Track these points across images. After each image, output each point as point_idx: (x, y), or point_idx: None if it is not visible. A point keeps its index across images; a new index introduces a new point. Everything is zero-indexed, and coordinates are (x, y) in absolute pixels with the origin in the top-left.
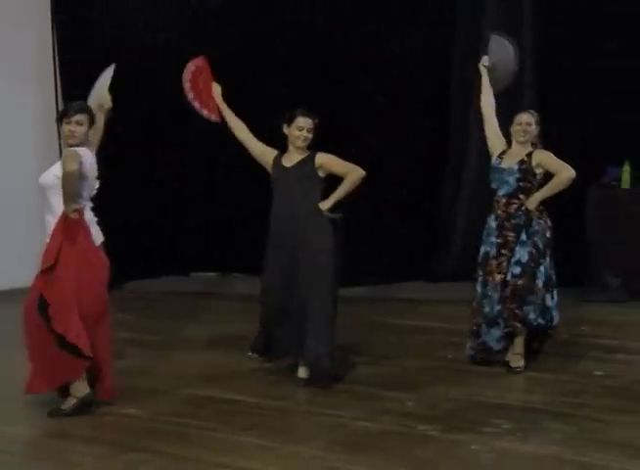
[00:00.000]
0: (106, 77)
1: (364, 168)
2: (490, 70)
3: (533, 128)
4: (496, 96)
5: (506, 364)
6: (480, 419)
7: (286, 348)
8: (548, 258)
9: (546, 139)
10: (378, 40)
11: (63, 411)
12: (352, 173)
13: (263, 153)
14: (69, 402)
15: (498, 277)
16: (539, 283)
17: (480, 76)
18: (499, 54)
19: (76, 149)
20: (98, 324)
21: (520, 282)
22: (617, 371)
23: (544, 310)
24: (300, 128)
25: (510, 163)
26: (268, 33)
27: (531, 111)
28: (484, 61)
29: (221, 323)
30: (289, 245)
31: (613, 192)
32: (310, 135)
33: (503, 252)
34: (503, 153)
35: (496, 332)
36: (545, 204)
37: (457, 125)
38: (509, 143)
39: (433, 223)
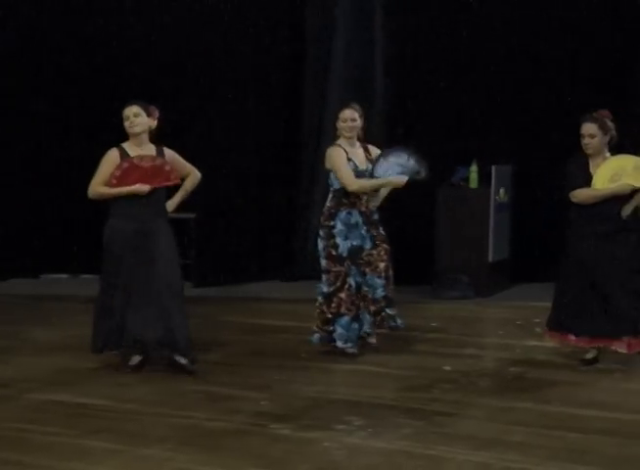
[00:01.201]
0: None
1: (217, 169)
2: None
3: (358, 123)
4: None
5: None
6: (333, 416)
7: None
8: None
9: (397, 141)
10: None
11: None
12: (193, 174)
13: None
14: None
15: (382, 264)
16: None
17: None
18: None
19: None
20: None
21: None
22: (465, 366)
23: None
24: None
25: (364, 164)
26: None
27: (354, 105)
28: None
29: (70, 326)
30: (142, 245)
31: (461, 191)
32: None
33: (378, 243)
34: (346, 153)
35: (369, 317)
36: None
37: (311, 127)
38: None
39: (287, 223)
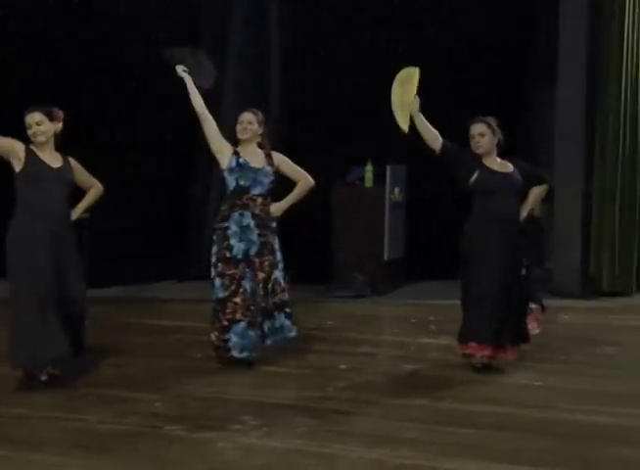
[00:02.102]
0: None
1: (117, 170)
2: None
3: (256, 127)
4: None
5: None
6: (228, 417)
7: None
8: None
9: (293, 140)
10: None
11: None
12: (96, 186)
13: None
14: None
15: (261, 275)
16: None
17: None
18: (189, 62)
19: None
20: None
21: (286, 285)
22: (360, 364)
23: None
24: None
25: (259, 163)
26: None
27: (254, 109)
28: (179, 69)
29: None
30: (54, 245)
31: (356, 191)
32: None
33: (265, 252)
34: (237, 152)
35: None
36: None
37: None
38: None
39: (184, 225)
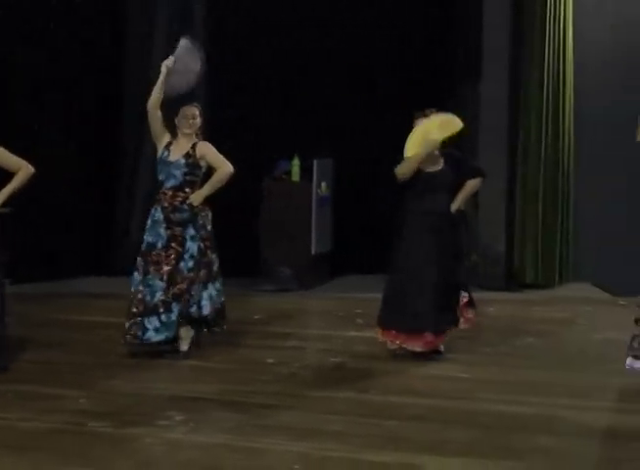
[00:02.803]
0: None
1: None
2: (169, 72)
3: (199, 120)
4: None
5: (173, 351)
6: (153, 412)
7: None
8: (211, 250)
9: (222, 134)
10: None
11: None
12: (25, 169)
13: None
14: None
15: (166, 268)
16: (203, 275)
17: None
18: (184, 60)
19: None
20: None
21: (192, 275)
22: (287, 358)
23: (199, 301)
24: None
25: (177, 155)
26: None
27: (196, 103)
28: (169, 61)
29: None
30: None
31: (283, 185)
32: None
33: (173, 245)
34: (169, 144)
35: (155, 321)
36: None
37: (131, 123)
38: (174, 135)
39: (108, 219)
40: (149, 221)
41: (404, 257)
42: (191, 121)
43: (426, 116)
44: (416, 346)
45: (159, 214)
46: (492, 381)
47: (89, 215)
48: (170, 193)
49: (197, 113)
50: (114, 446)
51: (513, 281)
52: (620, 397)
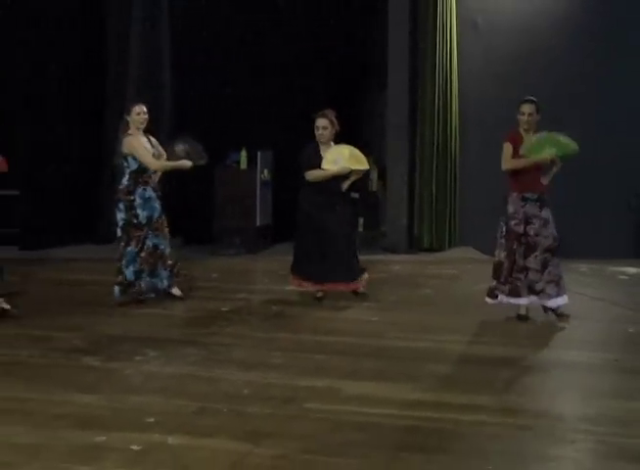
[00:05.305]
0: None
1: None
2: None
3: (147, 117)
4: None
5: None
6: (132, 350)
7: None
8: None
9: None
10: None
11: None
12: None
13: None
14: None
15: (166, 230)
16: None
17: None
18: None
19: None
20: None
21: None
22: (238, 307)
23: None
24: None
25: (156, 145)
26: None
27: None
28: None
29: None
30: None
31: (233, 171)
32: None
33: (163, 215)
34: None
35: (165, 272)
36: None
37: (112, 116)
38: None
39: (94, 198)
40: (139, 200)
41: (308, 225)
42: (144, 117)
43: (324, 116)
44: (341, 289)
45: (149, 193)
46: (396, 323)
47: (80, 197)
48: (154, 175)
49: (145, 109)
50: (102, 376)
51: (413, 246)
52: (495, 332)
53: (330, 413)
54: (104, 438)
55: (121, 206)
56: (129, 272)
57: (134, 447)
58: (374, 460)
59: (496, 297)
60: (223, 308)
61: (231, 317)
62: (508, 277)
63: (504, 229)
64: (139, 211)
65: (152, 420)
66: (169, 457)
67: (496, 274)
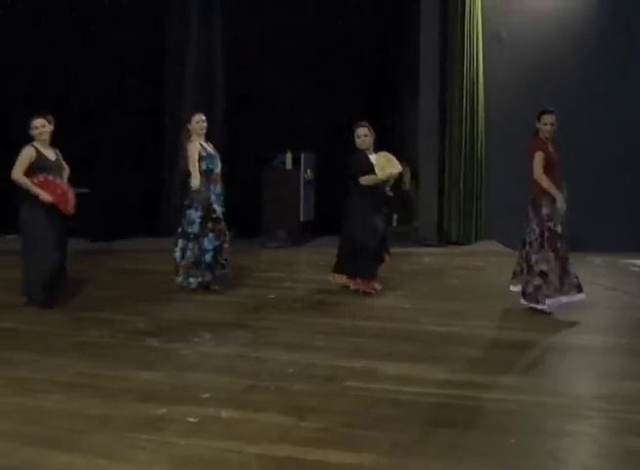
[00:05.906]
0: None
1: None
2: None
3: (206, 124)
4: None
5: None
6: (189, 332)
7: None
8: None
9: (235, 136)
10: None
11: None
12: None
13: None
14: None
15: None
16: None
17: None
18: None
19: None
20: None
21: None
22: (284, 294)
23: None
24: None
25: (213, 150)
26: None
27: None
28: None
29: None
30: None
31: (280, 172)
32: None
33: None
34: (200, 144)
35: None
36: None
37: (172, 123)
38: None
39: (156, 197)
40: (213, 197)
41: (358, 224)
42: (202, 125)
43: (363, 125)
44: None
45: (219, 190)
46: (428, 309)
47: (143, 196)
48: (219, 176)
49: (204, 117)
50: (162, 356)
51: (442, 240)
52: (517, 319)
53: (367, 391)
54: (164, 410)
55: (196, 204)
56: (209, 257)
57: (191, 420)
58: (408, 434)
59: (543, 301)
60: (270, 296)
61: (277, 304)
62: (563, 277)
63: (538, 232)
64: (216, 207)
65: (206, 395)
66: (223, 429)
67: (545, 281)
